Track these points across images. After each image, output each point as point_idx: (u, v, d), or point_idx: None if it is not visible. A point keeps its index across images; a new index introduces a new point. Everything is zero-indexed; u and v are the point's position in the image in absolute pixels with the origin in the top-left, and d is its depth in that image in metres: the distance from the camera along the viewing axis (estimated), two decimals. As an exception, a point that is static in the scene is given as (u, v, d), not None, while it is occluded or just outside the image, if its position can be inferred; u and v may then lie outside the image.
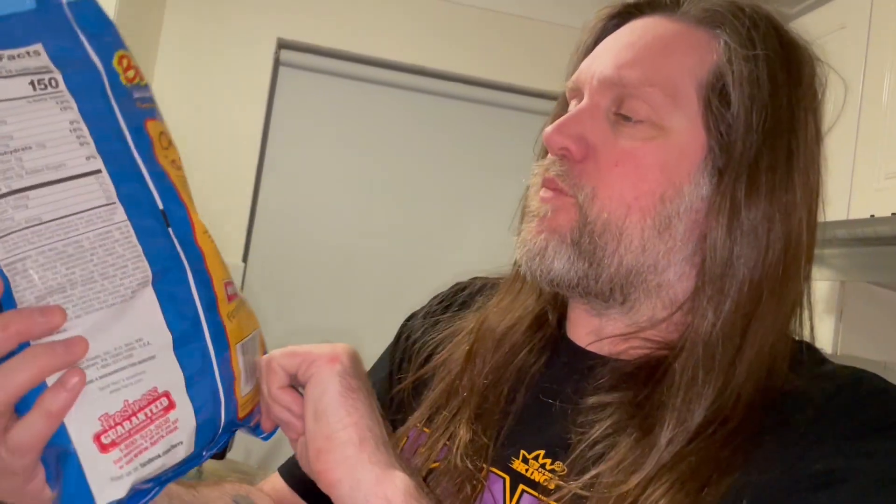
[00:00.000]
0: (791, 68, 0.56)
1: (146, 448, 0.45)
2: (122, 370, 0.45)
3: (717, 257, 0.53)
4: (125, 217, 0.46)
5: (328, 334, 2.63)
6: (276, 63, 2.40)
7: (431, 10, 2.43)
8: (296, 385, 0.56)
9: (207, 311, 0.49)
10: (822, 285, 1.81)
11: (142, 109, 0.49)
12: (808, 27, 1.85)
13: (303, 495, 0.73)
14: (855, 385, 0.52)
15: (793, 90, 0.56)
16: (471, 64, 2.45)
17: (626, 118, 0.56)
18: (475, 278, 0.77)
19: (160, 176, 0.48)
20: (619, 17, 0.63)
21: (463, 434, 0.58)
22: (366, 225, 2.47)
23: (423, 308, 0.77)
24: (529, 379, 0.62)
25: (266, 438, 0.57)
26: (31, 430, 0.42)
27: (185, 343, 0.48)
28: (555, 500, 0.52)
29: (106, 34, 0.48)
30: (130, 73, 0.49)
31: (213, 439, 0.50)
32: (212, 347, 0.49)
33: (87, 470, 0.43)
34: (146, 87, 0.50)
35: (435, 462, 0.60)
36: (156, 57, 2.29)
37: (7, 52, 0.44)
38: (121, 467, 0.44)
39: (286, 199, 2.43)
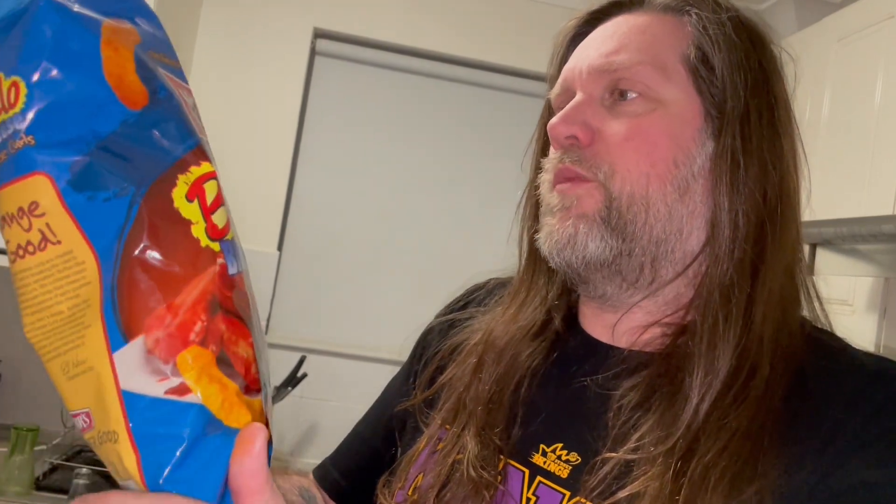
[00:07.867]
0: (754, 35, 0.61)
1: None
2: None
3: (727, 208, 0.56)
4: None
5: (361, 322, 2.64)
6: (313, 52, 2.41)
7: (468, -1, 2.42)
8: None
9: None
10: (865, 281, 1.77)
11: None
12: (855, 17, 1.80)
13: (335, 498, 0.75)
14: (887, 380, 0.52)
15: (761, 52, 0.60)
16: (512, 54, 2.43)
17: (622, 97, 0.59)
18: (490, 279, 0.78)
19: None
20: (587, 25, 0.66)
21: (472, 446, 0.59)
22: (400, 214, 2.47)
23: (439, 313, 0.78)
24: (540, 376, 0.63)
25: None
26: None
27: None
28: (602, 473, 0.53)
29: None
30: None
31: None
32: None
33: None
34: (22, 111, 0.34)
35: (446, 476, 0.60)
36: (193, 47, 2.32)
37: None
38: None
39: (321, 187, 2.45)
